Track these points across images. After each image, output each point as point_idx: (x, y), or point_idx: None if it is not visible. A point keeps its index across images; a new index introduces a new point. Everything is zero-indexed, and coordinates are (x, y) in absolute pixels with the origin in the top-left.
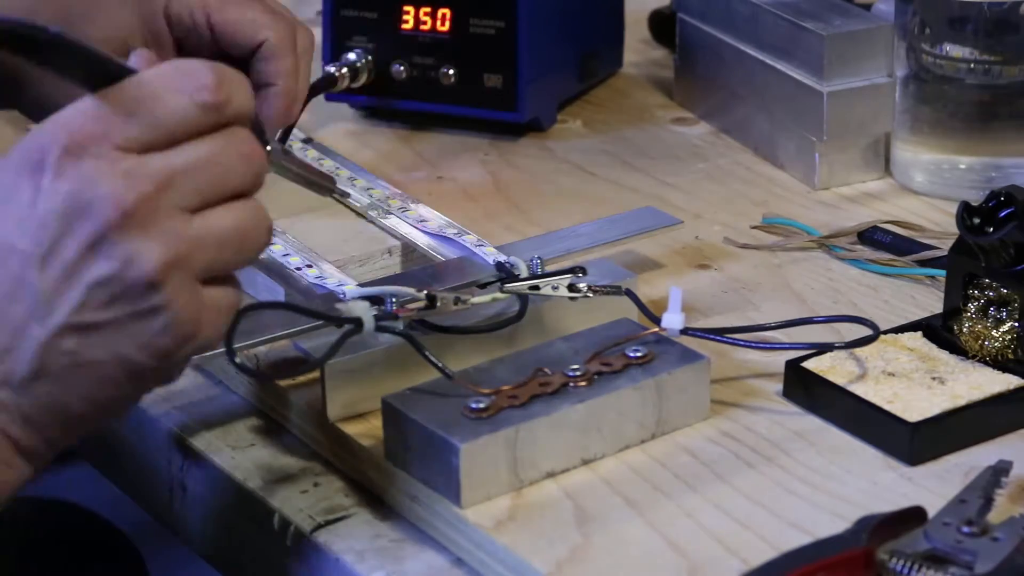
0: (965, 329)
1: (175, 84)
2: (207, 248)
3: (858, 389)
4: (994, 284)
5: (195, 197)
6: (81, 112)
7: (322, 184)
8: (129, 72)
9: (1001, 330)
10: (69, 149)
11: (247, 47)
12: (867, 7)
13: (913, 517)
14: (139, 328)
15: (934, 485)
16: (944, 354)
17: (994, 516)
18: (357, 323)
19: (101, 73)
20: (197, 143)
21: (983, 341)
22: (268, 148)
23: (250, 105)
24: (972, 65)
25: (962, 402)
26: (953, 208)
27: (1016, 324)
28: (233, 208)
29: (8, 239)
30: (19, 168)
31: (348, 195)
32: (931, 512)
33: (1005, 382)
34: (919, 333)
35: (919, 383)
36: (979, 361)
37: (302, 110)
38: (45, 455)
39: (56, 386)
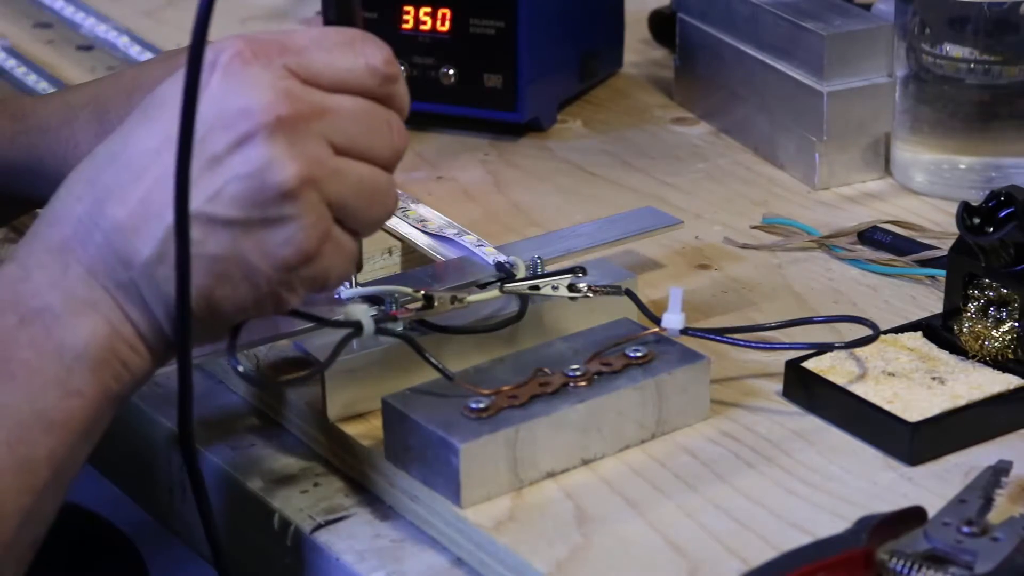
0: (965, 329)
1: (357, 42)
2: (344, 184)
3: (858, 389)
4: (994, 284)
5: (343, 138)
6: (262, 33)
7: None
8: (359, 26)
9: (1001, 330)
10: (242, 54)
11: None
12: (867, 7)
13: (913, 517)
14: (264, 233)
15: (934, 485)
16: (944, 354)
17: (994, 516)
18: (356, 326)
19: (340, 16)
20: (357, 99)
21: (983, 341)
22: None
23: (408, 102)
24: (972, 65)
25: (962, 402)
26: (953, 208)
27: (1016, 324)
28: (372, 167)
29: (169, 130)
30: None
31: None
32: (931, 512)
33: (1005, 382)
34: (919, 333)
35: (919, 383)
36: (979, 361)
37: None
38: (164, 347)
39: (173, 273)
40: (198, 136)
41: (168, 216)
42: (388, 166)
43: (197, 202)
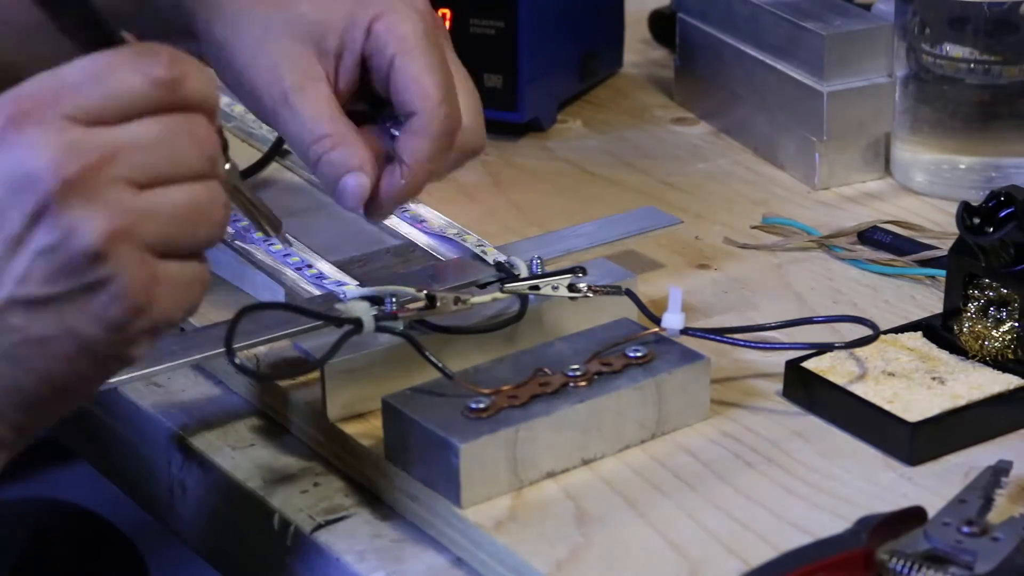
0: (965, 329)
1: (130, 60)
2: (157, 221)
3: (858, 389)
4: (994, 284)
5: (143, 171)
6: (33, 82)
7: (270, 221)
8: (123, 42)
9: (1001, 330)
10: (14, 117)
11: (400, 109)
12: (867, 7)
13: (913, 517)
14: (87, 300)
15: (934, 485)
16: (944, 354)
17: (994, 516)
18: (357, 323)
19: (98, 38)
20: (148, 120)
21: (983, 341)
22: (227, 166)
23: (210, 94)
24: (972, 65)
25: (962, 402)
26: (953, 208)
27: (1016, 324)
28: (185, 187)
29: None
30: None
31: (290, 243)
32: (931, 512)
33: (1005, 382)
34: (919, 333)
35: (919, 383)
36: (979, 361)
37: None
38: (14, 442)
39: (8, 365)
40: None
41: None
42: (204, 176)
43: (7, 288)
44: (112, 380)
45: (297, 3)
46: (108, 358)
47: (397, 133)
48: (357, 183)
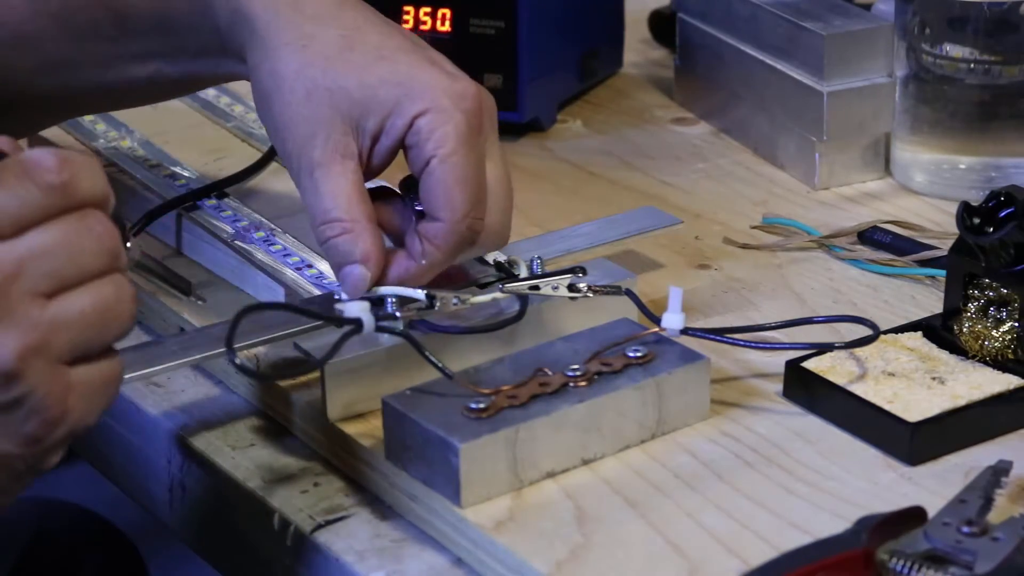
0: (965, 329)
1: (17, 170)
2: (67, 330)
3: (858, 389)
4: (994, 284)
5: (48, 281)
6: None
7: (179, 285)
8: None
9: (1001, 330)
10: None
11: (426, 209)
12: (867, 7)
13: (913, 517)
14: (3, 419)
15: (934, 485)
16: (944, 354)
17: (994, 516)
18: (357, 323)
19: None
20: (45, 227)
21: (983, 341)
22: (128, 245)
23: (101, 189)
24: (972, 65)
25: (962, 402)
26: (953, 208)
27: (1016, 324)
28: (91, 288)
29: None
30: None
31: (205, 301)
32: (931, 512)
33: (1005, 382)
34: (919, 333)
35: (919, 383)
36: (979, 361)
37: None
38: None
39: None
40: None
41: None
42: (108, 271)
43: None
44: None
45: (345, 77)
46: (24, 470)
47: (420, 208)
48: (359, 275)
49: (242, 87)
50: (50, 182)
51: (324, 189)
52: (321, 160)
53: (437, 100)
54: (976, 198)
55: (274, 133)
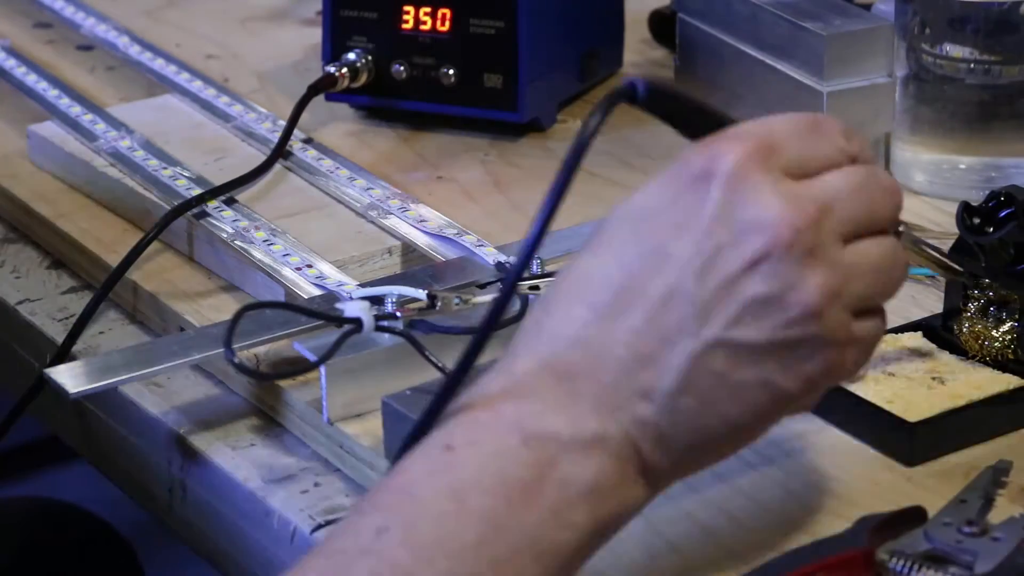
0: (965, 329)
1: (809, 122)
2: (859, 278)
3: (858, 389)
4: (994, 284)
5: (847, 225)
6: (746, 128)
7: (954, 269)
8: (730, 121)
9: (1001, 330)
10: (741, 162)
11: None
12: (867, 7)
13: (913, 517)
14: (789, 354)
15: (934, 485)
16: (944, 354)
17: (994, 516)
18: (357, 323)
19: (703, 123)
20: (844, 171)
21: (983, 341)
22: (900, 229)
23: (873, 155)
24: (972, 65)
25: (962, 402)
26: (953, 208)
27: (1016, 324)
28: (878, 241)
29: (665, 246)
30: (679, 179)
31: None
32: (931, 512)
33: (1005, 382)
34: (919, 333)
35: (919, 383)
36: (979, 361)
37: None
38: (666, 479)
39: (698, 403)
40: (706, 255)
41: (687, 343)
42: (890, 226)
43: (717, 328)
44: (112, 380)
45: None
46: (789, 410)
47: None
48: None
49: (242, 87)
50: (839, 131)
51: None
52: None
53: None
54: (976, 198)
55: None
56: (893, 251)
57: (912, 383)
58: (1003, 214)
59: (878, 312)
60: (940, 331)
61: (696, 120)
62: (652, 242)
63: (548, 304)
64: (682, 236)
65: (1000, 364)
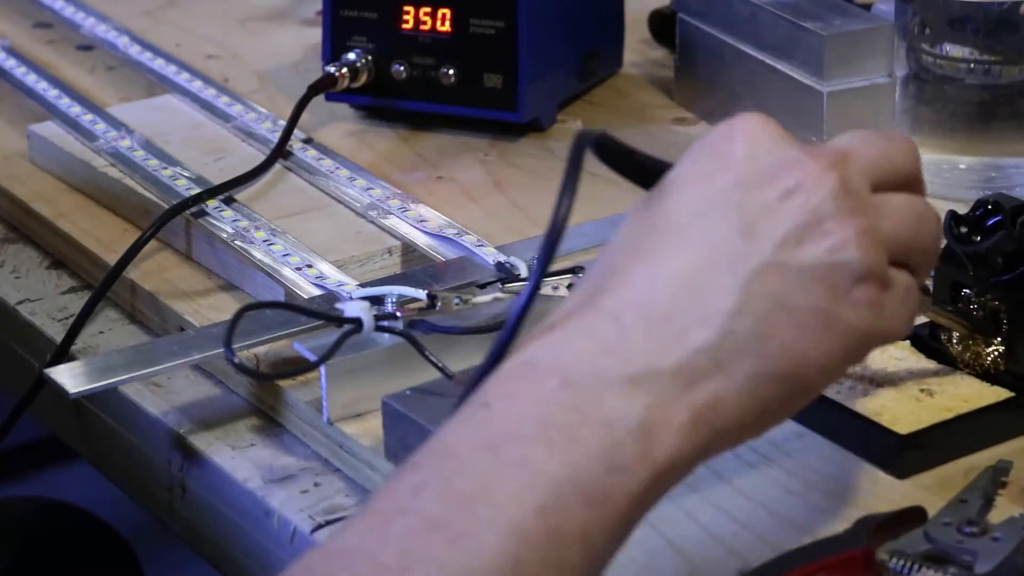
0: (954, 339)
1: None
2: (890, 218)
3: (846, 400)
4: (983, 295)
5: (871, 171)
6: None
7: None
8: (667, 167)
9: (990, 341)
10: (759, 123)
11: None
12: (867, 7)
13: (913, 517)
14: (835, 281)
15: (934, 485)
16: (932, 364)
17: (994, 516)
18: (357, 323)
19: (641, 172)
20: (848, 134)
21: (972, 352)
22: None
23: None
24: (972, 65)
25: (951, 414)
26: (953, 208)
27: (1005, 335)
28: (903, 195)
29: (702, 188)
30: (701, 150)
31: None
32: (931, 512)
33: (995, 394)
34: (907, 343)
35: (908, 395)
36: (968, 373)
37: None
38: (724, 424)
39: (755, 325)
40: (742, 191)
41: (738, 265)
42: (916, 187)
43: (765, 250)
44: (111, 380)
45: None
46: (840, 344)
47: None
48: None
49: (242, 87)
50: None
51: None
52: None
53: None
54: (976, 198)
55: None
56: (922, 203)
57: (901, 395)
58: (991, 223)
59: (912, 270)
60: (928, 341)
61: (646, 170)
62: (686, 193)
63: (584, 275)
64: (714, 181)
65: (989, 376)
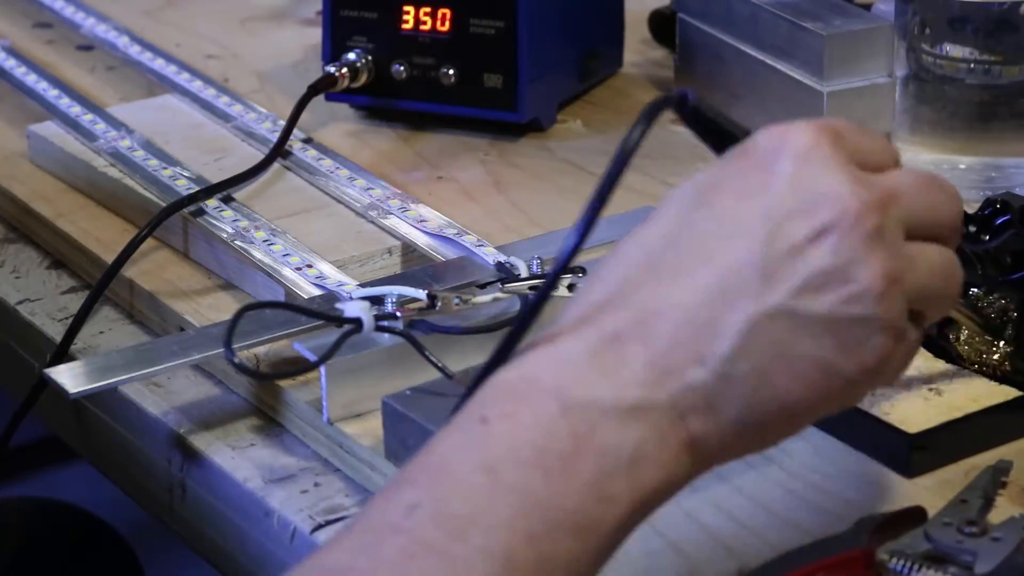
0: (962, 338)
1: (866, 129)
2: (918, 272)
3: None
4: (991, 294)
5: (912, 221)
6: (806, 121)
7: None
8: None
9: (999, 341)
10: (813, 140)
11: None
12: (867, 7)
13: (913, 517)
14: (847, 333)
15: (934, 485)
16: (940, 364)
17: (994, 516)
18: (357, 323)
19: (727, 138)
20: (909, 171)
21: (980, 351)
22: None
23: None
24: (972, 65)
25: (959, 413)
26: None
27: (1013, 334)
28: (938, 247)
29: (731, 211)
30: (745, 156)
31: None
32: (931, 512)
33: (1003, 393)
34: None
35: (916, 394)
36: (976, 372)
37: None
38: (711, 455)
39: (752, 372)
40: (774, 222)
41: (748, 306)
42: (951, 240)
43: (780, 295)
44: (111, 380)
45: None
46: (836, 396)
47: None
48: None
49: (242, 87)
50: (895, 154)
51: None
52: None
53: None
54: (976, 198)
55: None
56: (952, 260)
57: (909, 394)
58: (999, 222)
59: (922, 323)
60: (936, 340)
61: (727, 139)
62: (718, 208)
63: (599, 270)
64: (749, 201)
65: (997, 375)
